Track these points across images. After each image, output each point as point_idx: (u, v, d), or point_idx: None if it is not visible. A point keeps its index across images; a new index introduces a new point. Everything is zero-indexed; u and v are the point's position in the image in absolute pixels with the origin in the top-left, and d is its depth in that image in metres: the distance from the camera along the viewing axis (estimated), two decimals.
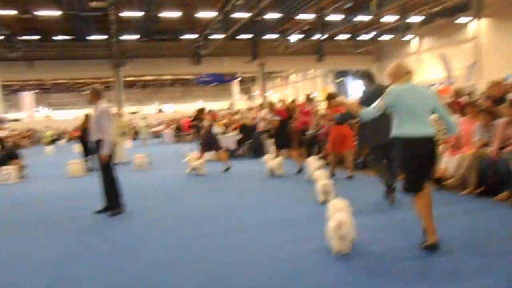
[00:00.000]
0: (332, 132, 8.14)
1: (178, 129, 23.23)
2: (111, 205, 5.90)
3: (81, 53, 30.77)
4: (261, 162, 9.02)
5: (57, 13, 22.59)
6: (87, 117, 11.13)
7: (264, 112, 14.01)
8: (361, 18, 25.10)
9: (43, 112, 51.21)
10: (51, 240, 4.84)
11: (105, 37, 28.59)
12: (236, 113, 21.08)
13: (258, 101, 40.35)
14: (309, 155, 10.09)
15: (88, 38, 28.60)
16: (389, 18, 26.39)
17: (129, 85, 47.37)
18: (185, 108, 43.59)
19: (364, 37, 32.37)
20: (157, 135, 28.09)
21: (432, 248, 3.56)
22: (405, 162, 3.69)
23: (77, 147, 13.56)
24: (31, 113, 33.20)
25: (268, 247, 4.08)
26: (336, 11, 24.32)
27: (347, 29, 30.54)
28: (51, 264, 4.01)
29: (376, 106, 3.82)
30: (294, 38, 31.57)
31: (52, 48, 30.22)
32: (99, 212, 5.94)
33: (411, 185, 3.69)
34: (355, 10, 24.04)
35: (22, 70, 30.57)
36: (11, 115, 42.66)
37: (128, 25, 26.30)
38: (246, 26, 27.39)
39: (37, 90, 48.55)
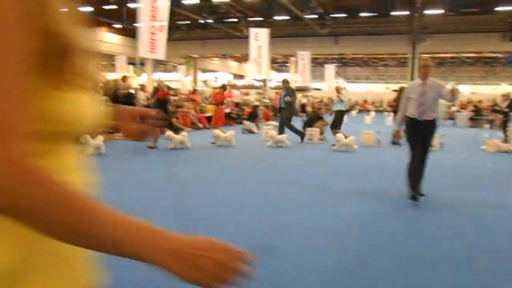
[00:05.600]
0: None
1: (477, 112, 21.00)
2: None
3: (382, 28, 31.56)
4: None
5: None
6: (400, 90, 11.48)
7: None
8: None
9: (341, 83, 55.98)
10: (339, 205, 5.38)
11: (406, 12, 28.32)
12: None
13: None
14: None
15: (390, 13, 28.97)
16: None
17: None
18: (484, 90, 38.82)
19: None
20: (450, 116, 26.04)
21: None
22: None
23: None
24: (330, 84, 36.76)
25: None
26: None
27: None
28: (351, 228, 4.49)
29: None
30: None
31: (355, 24, 32.19)
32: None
33: None
34: None
35: (328, 45, 34.00)
36: (314, 85, 48.56)
37: None
38: None
39: (337, 64, 53.24)
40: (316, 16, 29.51)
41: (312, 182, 6.36)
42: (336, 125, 11.37)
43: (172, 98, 14.84)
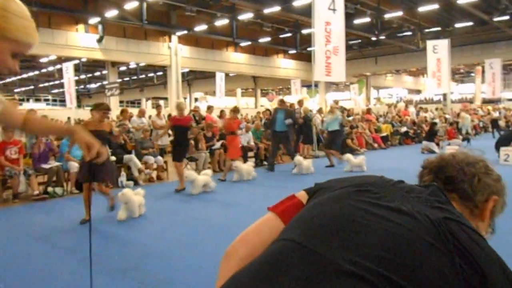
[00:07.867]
0: None
1: None
2: None
3: None
4: None
5: None
6: None
7: None
8: None
9: None
10: None
11: None
12: None
13: None
14: None
15: None
16: None
17: None
18: None
19: None
20: None
21: None
22: None
23: None
24: None
25: None
26: None
27: None
28: None
29: None
30: None
31: None
32: None
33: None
34: None
35: None
36: (506, 94, 42.51)
37: None
38: None
39: None
40: (507, 18, 25.99)
41: None
42: (329, 146, 10.36)
43: (346, 118, 14.90)
